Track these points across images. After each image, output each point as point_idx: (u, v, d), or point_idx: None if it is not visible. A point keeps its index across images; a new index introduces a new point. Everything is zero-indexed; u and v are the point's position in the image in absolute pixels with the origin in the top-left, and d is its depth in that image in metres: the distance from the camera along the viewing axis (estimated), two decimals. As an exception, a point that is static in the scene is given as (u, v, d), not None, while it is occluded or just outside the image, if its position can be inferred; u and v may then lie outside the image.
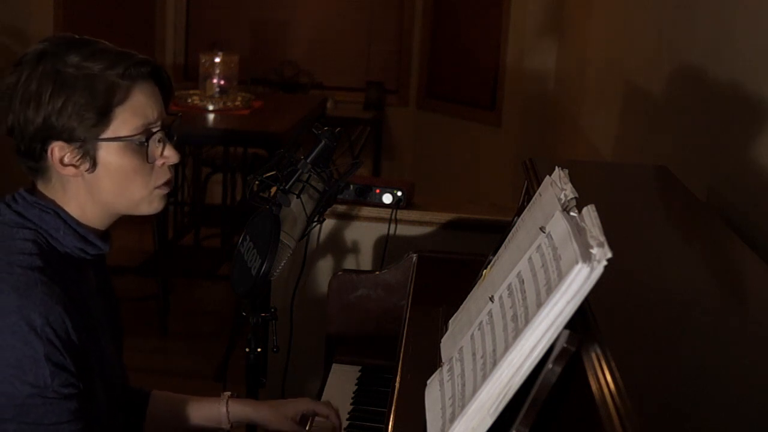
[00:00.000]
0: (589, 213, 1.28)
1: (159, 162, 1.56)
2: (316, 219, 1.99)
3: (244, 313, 1.95)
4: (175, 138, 1.59)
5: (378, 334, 2.26)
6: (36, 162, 1.52)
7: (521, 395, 1.23)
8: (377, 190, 2.69)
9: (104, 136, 1.49)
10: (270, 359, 2.05)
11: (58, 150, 1.49)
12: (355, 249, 2.75)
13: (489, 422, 1.25)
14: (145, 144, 1.52)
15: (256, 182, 1.96)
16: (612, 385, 1.10)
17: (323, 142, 1.95)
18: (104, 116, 1.48)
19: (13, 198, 1.54)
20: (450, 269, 2.14)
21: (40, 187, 1.55)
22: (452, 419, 1.30)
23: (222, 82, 4.51)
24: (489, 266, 1.63)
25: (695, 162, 2.43)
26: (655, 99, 2.91)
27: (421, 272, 2.11)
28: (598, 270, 1.17)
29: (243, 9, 6.17)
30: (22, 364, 1.40)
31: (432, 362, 1.56)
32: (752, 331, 1.36)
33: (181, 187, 5.20)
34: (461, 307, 1.63)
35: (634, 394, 1.08)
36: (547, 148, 4.86)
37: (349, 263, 2.74)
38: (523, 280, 1.33)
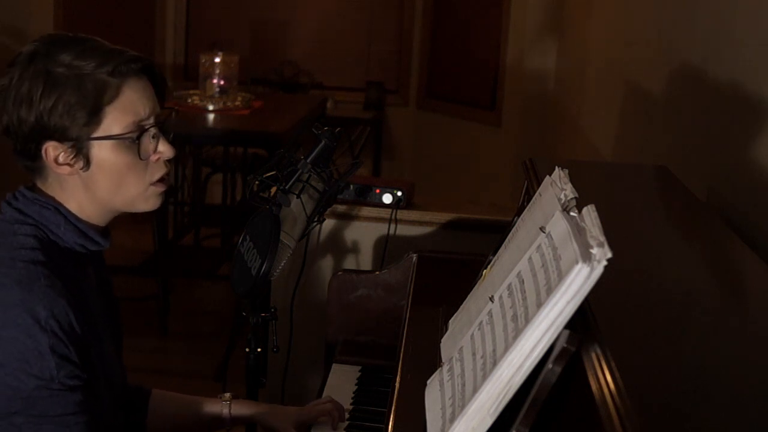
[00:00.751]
0: (589, 213, 1.28)
1: (153, 157, 1.56)
2: (316, 219, 1.99)
3: (244, 313, 1.95)
4: (171, 134, 1.59)
5: (378, 334, 2.26)
6: (32, 161, 1.53)
7: (521, 395, 1.23)
8: (377, 190, 2.69)
9: (96, 134, 1.50)
10: (270, 359, 2.05)
11: (51, 149, 1.50)
12: (355, 249, 2.75)
13: (489, 422, 1.25)
14: (137, 141, 1.52)
15: (256, 182, 1.96)
16: (612, 385, 1.10)
17: (323, 142, 1.95)
18: (95, 115, 1.49)
19: (13, 196, 1.55)
20: (450, 269, 2.14)
21: (40, 185, 1.56)
22: (452, 419, 1.30)
23: (222, 82, 4.51)
24: (489, 266, 1.63)
25: (695, 162, 2.43)
26: (655, 99, 2.91)
27: (421, 272, 2.11)
28: (598, 270, 1.17)
29: (243, 9, 6.16)
30: (28, 357, 1.41)
31: (432, 362, 1.56)
32: (752, 331, 1.36)
33: (181, 187, 5.20)
34: (461, 307, 1.63)
35: (634, 394, 1.08)
36: (547, 148, 4.86)
37: (349, 263, 2.74)
38: (523, 280, 1.33)
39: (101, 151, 1.51)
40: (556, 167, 1.49)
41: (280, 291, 2.56)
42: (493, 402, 1.25)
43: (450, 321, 1.64)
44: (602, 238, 1.20)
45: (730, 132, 2.23)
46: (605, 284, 1.18)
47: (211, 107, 4.44)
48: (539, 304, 1.23)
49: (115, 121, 1.51)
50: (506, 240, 1.59)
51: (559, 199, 1.39)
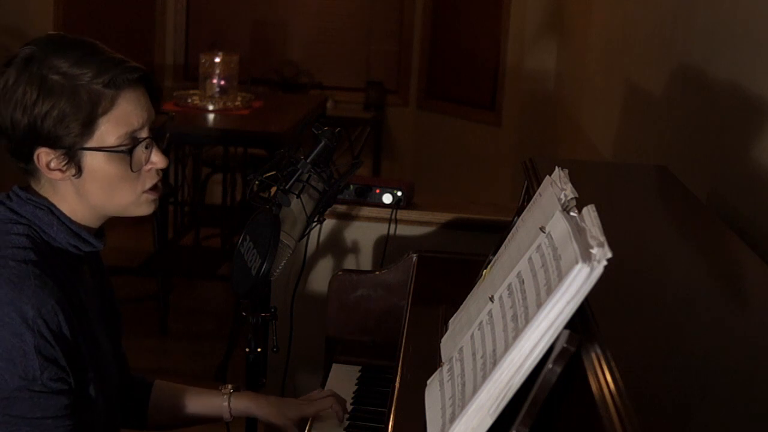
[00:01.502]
0: (589, 213, 1.28)
1: (146, 167, 1.56)
2: (316, 219, 1.99)
3: (244, 313, 1.95)
4: (168, 135, 1.59)
5: (378, 334, 2.26)
6: (25, 164, 1.53)
7: (521, 395, 1.23)
8: (377, 190, 2.69)
9: (88, 145, 1.50)
10: (270, 359, 2.05)
11: (44, 155, 1.50)
12: (355, 249, 2.75)
13: (489, 422, 1.25)
14: (128, 154, 1.52)
15: (256, 182, 1.96)
16: (612, 385, 1.10)
17: (323, 142, 1.95)
18: (88, 126, 1.48)
19: (7, 196, 1.55)
20: (450, 269, 2.14)
21: (34, 185, 1.56)
22: (452, 419, 1.30)
23: (222, 82, 4.51)
24: (489, 266, 1.63)
25: (695, 162, 2.43)
26: (655, 99, 2.91)
27: (421, 272, 2.11)
28: (598, 270, 1.17)
29: (243, 9, 6.17)
30: (12, 356, 1.40)
31: (432, 362, 1.56)
32: (752, 331, 1.36)
33: (181, 187, 5.20)
34: (461, 307, 1.63)
35: (634, 394, 1.08)
36: (547, 148, 4.86)
37: (349, 263, 2.74)
38: (523, 280, 1.33)
39: (93, 161, 1.51)
40: (556, 167, 1.49)
41: (280, 291, 2.56)
42: (493, 402, 1.25)
43: (450, 321, 1.64)
44: (602, 238, 1.20)
45: (730, 132, 2.23)
46: (605, 284, 1.18)
47: (211, 107, 4.44)
48: (539, 304, 1.23)
49: (108, 132, 1.50)
50: (506, 240, 1.59)
51: (559, 199, 1.39)
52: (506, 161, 5.28)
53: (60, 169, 1.51)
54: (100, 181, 1.52)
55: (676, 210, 2.00)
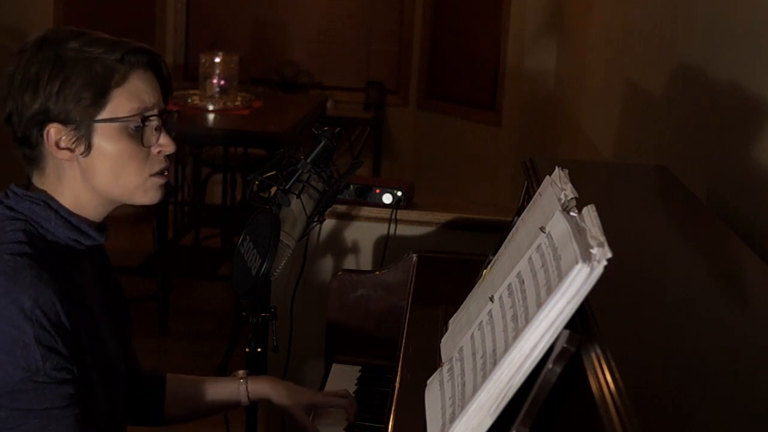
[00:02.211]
0: (589, 213, 1.28)
1: (154, 150, 1.56)
2: (316, 219, 1.99)
3: (244, 313, 1.95)
4: (173, 134, 1.60)
5: (378, 334, 2.26)
6: (32, 149, 1.53)
7: (521, 395, 1.23)
8: (377, 190, 2.69)
9: (100, 117, 1.50)
10: (270, 359, 2.05)
11: (54, 132, 1.50)
12: (355, 249, 2.75)
13: (489, 422, 1.25)
14: (141, 127, 1.53)
15: (256, 182, 1.96)
16: (612, 385, 1.10)
17: (323, 142, 1.95)
18: (101, 97, 1.50)
19: (4, 194, 1.55)
20: (450, 269, 2.14)
21: (35, 177, 1.56)
22: (452, 419, 1.30)
23: (222, 82, 4.51)
24: (489, 266, 1.63)
25: (695, 162, 2.43)
26: (655, 99, 2.91)
27: (421, 272, 2.11)
28: (598, 270, 1.17)
29: (243, 9, 6.16)
30: (13, 348, 1.40)
31: (432, 362, 1.56)
32: (752, 331, 1.36)
33: (181, 187, 5.20)
34: (461, 307, 1.63)
35: (634, 394, 1.08)
36: (547, 148, 4.86)
37: (349, 263, 2.74)
38: (523, 280, 1.33)
39: (103, 137, 1.51)
40: (556, 167, 1.49)
41: (280, 291, 2.56)
42: (493, 402, 1.25)
43: (450, 321, 1.64)
44: (602, 238, 1.20)
45: (730, 132, 2.23)
46: (605, 284, 1.18)
47: (211, 107, 4.43)
48: (539, 304, 1.23)
49: (120, 105, 1.51)
50: (506, 240, 1.59)
51: (559, 199, 1.39)
52: (506, 161, 5.28)
53: (69, 148, 1.51)
54: (109, 159, 1.52)
55: (676, 210, 2.00)
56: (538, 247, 1.34)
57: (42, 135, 1.51)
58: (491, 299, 1.42)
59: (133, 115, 1.52)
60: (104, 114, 1.51)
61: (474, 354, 1.37)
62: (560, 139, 4.73)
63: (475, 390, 1.28)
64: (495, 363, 1.26)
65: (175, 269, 4.68)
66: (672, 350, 1.27)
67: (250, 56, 5.88)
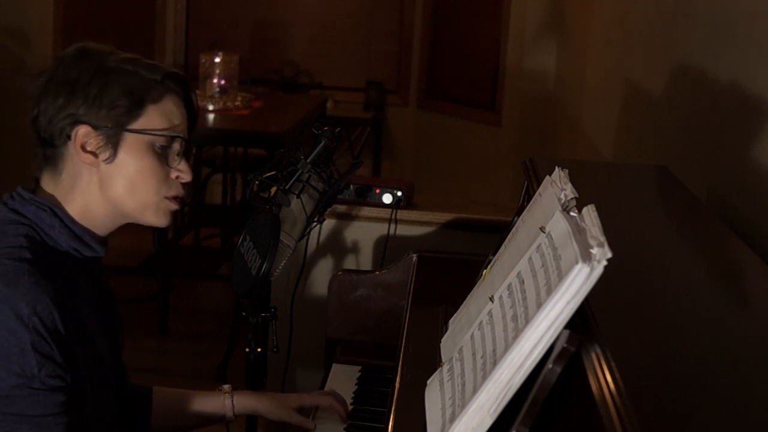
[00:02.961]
0: (589, 213, 1.28)
1: (173, 174, 1.58)
2: (316, 219, 1.99)
3: (244, 313, 1.95)
4: (192, 158, 1.62)
5: (378, 334, 2.26)
6: (54, 148, 1.54)
7: (521, 395, 1.23)
8: (377, 190, 2.69)
9: (132, 127, 1.53)
10: (270, 359, 2.05)
11: (82, 134, 1.51)
12: (355, 249, 2.75)
13: (489, 422, 1.25)
14: (166, 147, 1.56)
15: (256, 182, 1.96)
16: (612, 385, 1.10)
17: (323, 142, 1.95)
18: (136, 108, 1.53)
19: (10, 196, 1.55)
20: (450, 269, 2.14)
21: (47, 180, 1.56)
22: (452, 419, 1.30)
23: (222, 82, 4.51)
24: (489, 266, 1.63)
25: (695, 162, 2.43)
26: (655, 99, 2.91)
27: (421, 272, 2.11)
28: (598, 270, 1.17)
29: (243, 9, 6.16)
30: (9, 354, 1.40)
31: (432, 362, 1.56)
32: (752, 331, 1.36)
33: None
34: (461, 307, 1.63)
35: (634, 394, 1.08)
36: (547, 148, 4.86)
37: (349, 263, 2.74)
38: (523, 280, 1.33)
39: (129, 147, 1.53)
40: (556, 167, 1.49)
41: (280, 291, 2.56)
42: (493, 402, 1.25)
43: (450, 321, 1.64)
44: (602, 238, 1.20)
45: (730, 132, 2.23)
46: (605, 284, 1.18)
47: (211, 107, 4.43)
48: (539, 304, 1.23)
49: (152, 120, 1.54)
50: (506, 240, 1.59)
51: (559, 199, 1.39)
52: (506, 161, 5.28)
53: (93, 152, 1.52)
54: (130, 171, 1.54)
55: (676, 210, 2.00)
56: (538, 247, 1.34)
57: (70, 135, 1.51)
58: (491, 299, 1.42)
59: (163, 133, 1.55)
60: (136, 125, 1.53)
61: (474, 354, 1.37)
62: (560, 139, 4.73)
63: (475, 390, 1.28)
64: (495, 363, 1.26)
65: (175, 269, 4.68)
66: (672, 350, 1.27)
67: (250, 56, 5.88)
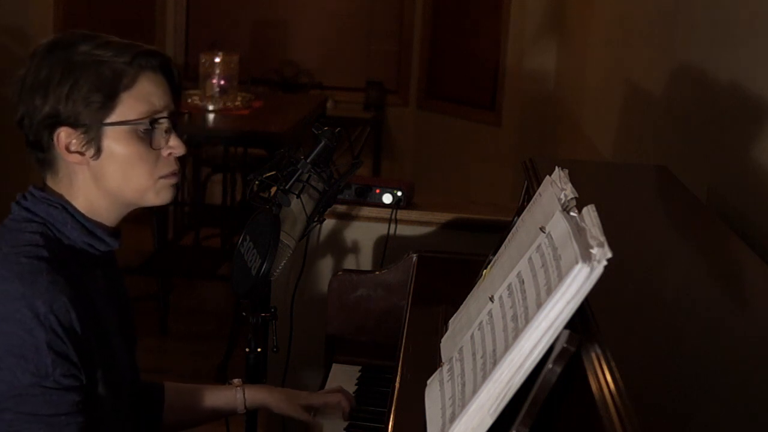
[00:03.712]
0: (589, 213, 1.28)
1: (165, 152, 1.57)
2: (316, 219, 1.99)
3: (244, 313, 1.95)
4: (185, 137, 1.60)
5: (378, 334, 2.26)
6: (44, 152, 1.54)
7: (521, 395, 1.23)
8: (377, 190, 2.69)
9: (109, 120, 1.51)
10: (270, 359, 2.05)
11: (64, 136, 1.51)
12: (355, 249, 2.75)
13: (489, 422, 1.25)
14: (150, 129, 1.53)
15: (256, 182, 1.96)
16: (612, 385, 1.10)
17: (323, 142, 1.95)
18: (110, 100, 1.50)
19: (23, 196, 1.56)
20: (450, 269, 2.14)
21: (50, 181, 1.56)
22: (452, 419, 1.30)
23: (222, 82, 4.51)
24: (489, 266, 1.63)
25: (695, 162, 2.43)
26: (655, 99, 2.91)
27: (421, 272, 2.11)
28: (598, 270, 1.17)
29: (243, 9, 6.16)
30: (24, 352, 1.40)
31: (432, 362, 1.56)
32: (752, 331, 1.36)
33: (181, 187, 5.19)
34: (461, 307, 1.63)
35: (634, 394, 1.08)
36: (547, 148, 4.86)
37: (349, 263, 2.74)
38: (523, 280, 1.33)
39: (113, 140, 1.52)
40: (556, 167, 1.49)
41: (280, 291, 2.56)
42: (493, 402, 1.25)
43: (450, 321, 1.64)
44: (602, 238, 1.20)
45: (730, 132, 2.23)
46: (605, 284, 1.18)
47: (211, 107, 4.43)
48: (539, 304, 1.23)
49: (129, 108, 1.52)
50: (506, 240, 1.59)
51: (559, 199, 1.39)
52: (506, 161, 5.28)
53: (79, 151, 1.51)
54: (119, 162, 1.53)
55: (676, 210, 2.00)
56: (538, 247, 1.34)
57: (52, 138, 1.51)
58: (491, 299, 1.42)
59: (142, 118, 1.53)
60: (113, 117, 1.51)
61: (474, 354, 1.37)
62: (560, 139, 4.73)
63: (475, 390, 1.28)
64: (495, 363, 1.26)
65: (175, 269, 4.68)
66: (672, 350, 1.27)
67: (250, 56, 5.88)
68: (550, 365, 1.20)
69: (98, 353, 1.51)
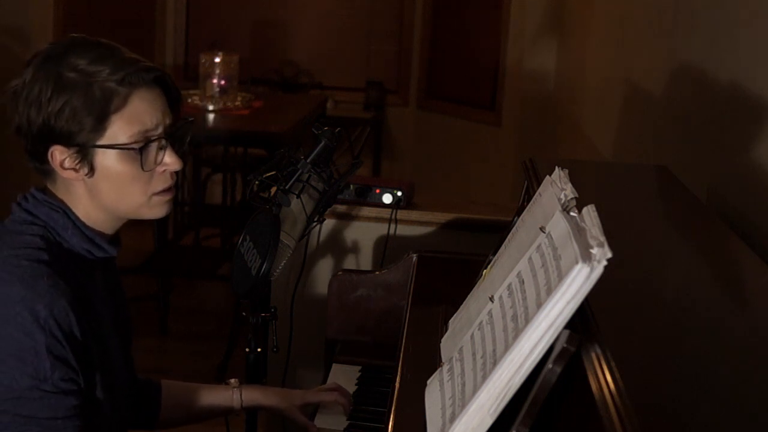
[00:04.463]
0: (589, 213, 1.28)
1: (159, 169, 1.55)
2: (316, 219, 1.99)
3: (244, 313, 1.95)
4: (188, 142, 1.59)
5: (378, 334, 2.26)
6: (41, 164, 1.53)
7: (521, 395, 1.23)
8: (377, 190, 2.69)
9: (100, 142, 1.50)
10: (270, 359, 2.05)
11: (58, 154, 1.50)
12: (355, 249, 2.75)
13: (489, 422, 1.25)
14: (140, 152, 1.51)
15: (256, 182, 1.96)
16: (612, 385, 1.10)
17: (323, 142, 1.95)
18: (100, 123, 1.49)
19: (24, 197, 1.55)
20: (450, 269, 2.14)
21: (50, 187, 1.56)
22: (452, 419, 1.30)
23: (222, 82, 4.51)
24: (489, 266, 1.63)
25: (695, 162, 2.43)
26: (655, 99, 2.91)
27: (421, 272, 2.11)
28: (598, 270, 1.17)
29: (243, 9, 6.16)
30: (24, 355, 1.40)
31: (432, 362, 1.56)
32: (752, 331, 1.36)
33: (181, 187, 5.20)
34: (461, 307, 1.63)
35: (634, 394, 1.08)
36: (547, 148, 4.86)
37: (349, 263, 2.74)
38: (523, 280, 1.33)
39: (105, 160, 1.51)
40: (556, 167, 1.49)
41: (280, 291, 2.56)
42: (493, 402, 1.25)
43: (450, 321, 1.64)
44: (602, 238, 1.20)
45: (730, 132, 2.23)
46: (605, 284, 1.18)
47: (211, 107, 4.43)
48: (539, 304, 1.23)
49: (120, 130, 1.50)
50: (506, 240, 1.59)
51: (559, 199, 1.39)
52: (506, 161, 5.28)
53: (73, 168, 1.51)
54: (112, 181, 1.52)
55: (676, 210, 2.00)
56: (538, 247, 1.34)
57: (47, 153, 1.51)
58: (491, 299, 1.42)
59: (134, 142, 1.51)
60: (104, 140, 1.50)
61: (474, 354, 1.37)
62: (560, 139, 4.73)
63: (475, 390, 1.28)
64: (495, 363, 1.26)
65: (175, 269, 4.69)
66: (672, 350, 1.27)
67: (250, 56, 5.88)
68: (550, 365, 1.20)
69: (96, 356, 1.52)
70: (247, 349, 1.94)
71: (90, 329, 1.49)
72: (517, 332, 1.25)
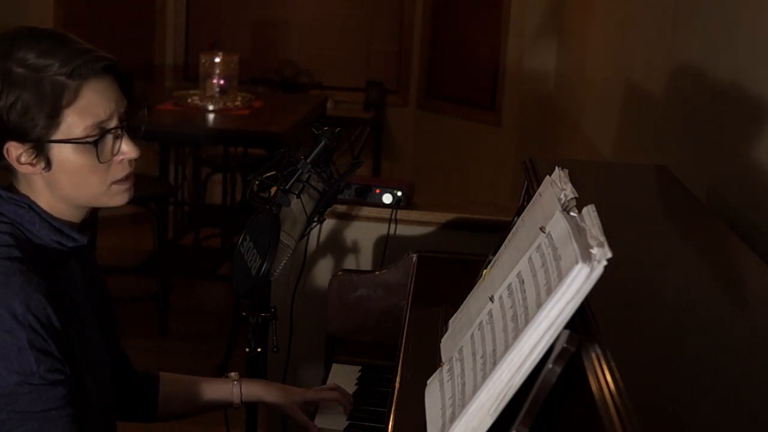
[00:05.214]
0: (589, 213, 1.28)
1: (117, 158, 1.54)
2: (316, 219, 1.99)
3: (244, 313, 1.95)
4: (143, 129, 1.58)
5: (378, 334, 2.26)
6: (1, 160, 1.53)
7: (521, 395, 1.23)
8: (377, 190, 2.69)
9: (55, 137, 1.49)
10: (270, 359, 2.05)
11: (13, 149, 1.50)
12: (355, 249, 2.75)
13: (489, 422, 1.25)
14: (95, 145, 1.50)
15: (256, 182, 1.96)
16: (612, 385, 1.10)
17: (323, 142, 1.95)
18: (53, 118, 1.48)
19: None
20: (450, 269, 2.14)
21: (15, 183, 1.56)
22: (452, 419, 1.30)
23: (222, 82, 4.51)
24: (489, 266, 1.63)
25: (695, 162, 2.43)
26: (655, 99, 2.91)
27: (421, 272, 2.11)
28: (598, 270, 1.17)
29: (243, 9, 6.16)
30: (7, 353, 1.41)
31: (432, 362, 1.56)
32: (752, 331, 1.36)
33: (181, 187, 5.20)
34: (461, 307, 1.63)
35: (634, 394, 1.08)
36: (547, 148, 4.86)
37: (349, 263, 2.74)
38: (523, 280, 1.33)
39: (61, 154, 1.50)
40: (556, 167, 1.49)
41: (280, 291, 2.56)
42: (493, 402, 1.25)
43: (450, 321, 1.64)
44: (602, 238, 1.20)
45: (730, 132, 2.23)
46: (605, 284, 1.18)
47: (211, 107, 4.43)
48: (539, 304, 1.23)
49: (74, 124, 1.49)
50: (506, 240, 1.59)
51: (559, 199, 1.39)
52: (506, 161, 5.28)
53: (30, 163, 1.50)
54: (69, 174, 1.51)
55: (676, 210, 2.00)
56: (538, 247, 1.34)
57: (2, 150, 1.50)
58: (491, 299, 1.42)
59: (89, 134, 1.50)
60: (59, 134, 1.49)
61: (474, 354, 1.37)
62: (560, 139, 4.73)
63: (475, 390, 1.28)
64: (495, 363, 1.26)
65: (175, 269, 4.69)
66: (672, 350, 1.27)
67: (250, 56, 5.88)
68: (550, 365, 1.20)
69: (79, 346, 1.52)
70: (247, 349, 1.94)
71: (69, 320, 1.49)
72: (517, 332, 1.25)
